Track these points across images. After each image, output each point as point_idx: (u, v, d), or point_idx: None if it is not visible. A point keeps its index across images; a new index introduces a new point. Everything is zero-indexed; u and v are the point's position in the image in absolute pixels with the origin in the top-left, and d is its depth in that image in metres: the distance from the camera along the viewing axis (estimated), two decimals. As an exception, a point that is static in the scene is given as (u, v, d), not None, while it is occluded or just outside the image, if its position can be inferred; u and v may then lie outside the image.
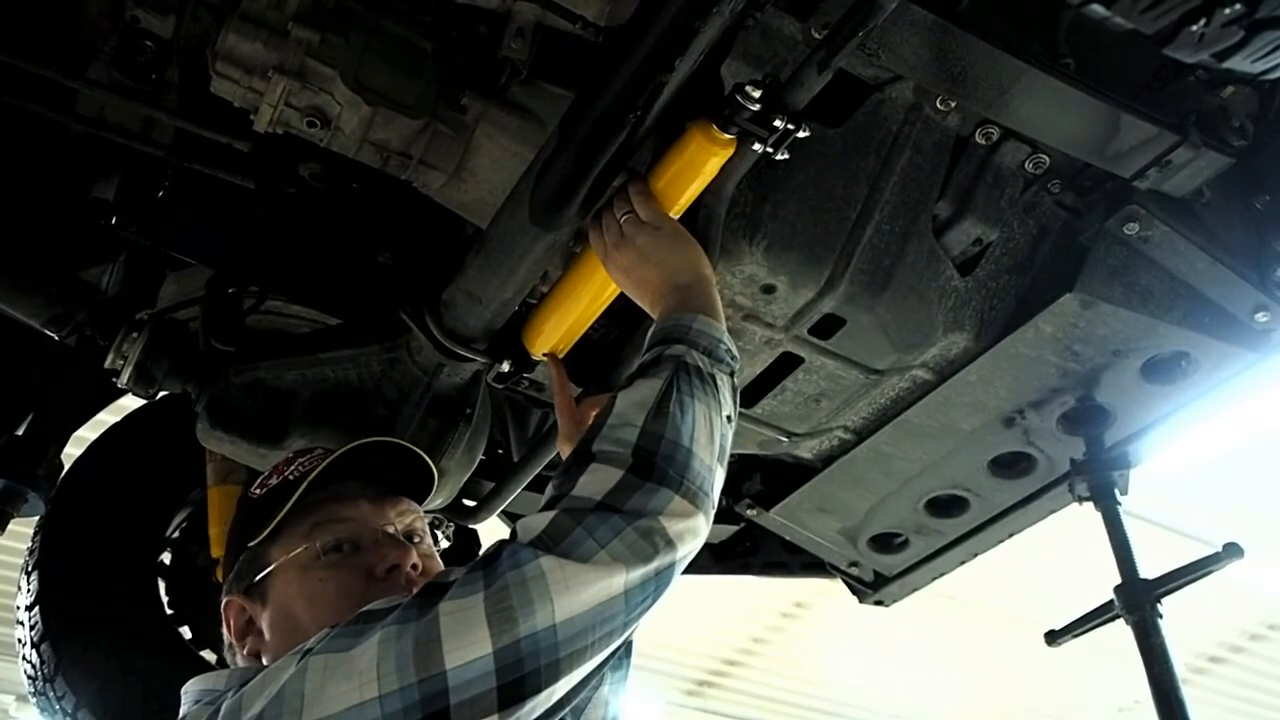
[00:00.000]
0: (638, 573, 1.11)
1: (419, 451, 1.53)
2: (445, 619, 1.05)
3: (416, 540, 1.44)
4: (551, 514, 1.13)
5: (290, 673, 1.09)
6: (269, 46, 1.65)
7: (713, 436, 1.24)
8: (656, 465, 1.17)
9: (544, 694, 1.06)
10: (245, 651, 1.37)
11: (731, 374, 1.32)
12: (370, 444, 1.48)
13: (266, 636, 1.36)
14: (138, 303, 2.19)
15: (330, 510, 1.40)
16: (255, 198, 2.04)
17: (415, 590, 1.15)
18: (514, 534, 1.14)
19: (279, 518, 1.38)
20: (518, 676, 1.04)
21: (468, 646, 1.03)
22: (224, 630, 1.41)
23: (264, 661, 1.34)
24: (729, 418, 1.29)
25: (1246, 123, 1.73)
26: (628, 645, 1.53)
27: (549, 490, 1.20)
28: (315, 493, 1.40)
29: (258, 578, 1.37)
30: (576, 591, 1.07)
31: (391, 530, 1.42)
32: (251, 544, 1.39)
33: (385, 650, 1.05)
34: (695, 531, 1.17)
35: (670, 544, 1.14)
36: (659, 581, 1.14)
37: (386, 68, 1.66)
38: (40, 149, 2.05)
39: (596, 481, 1.15)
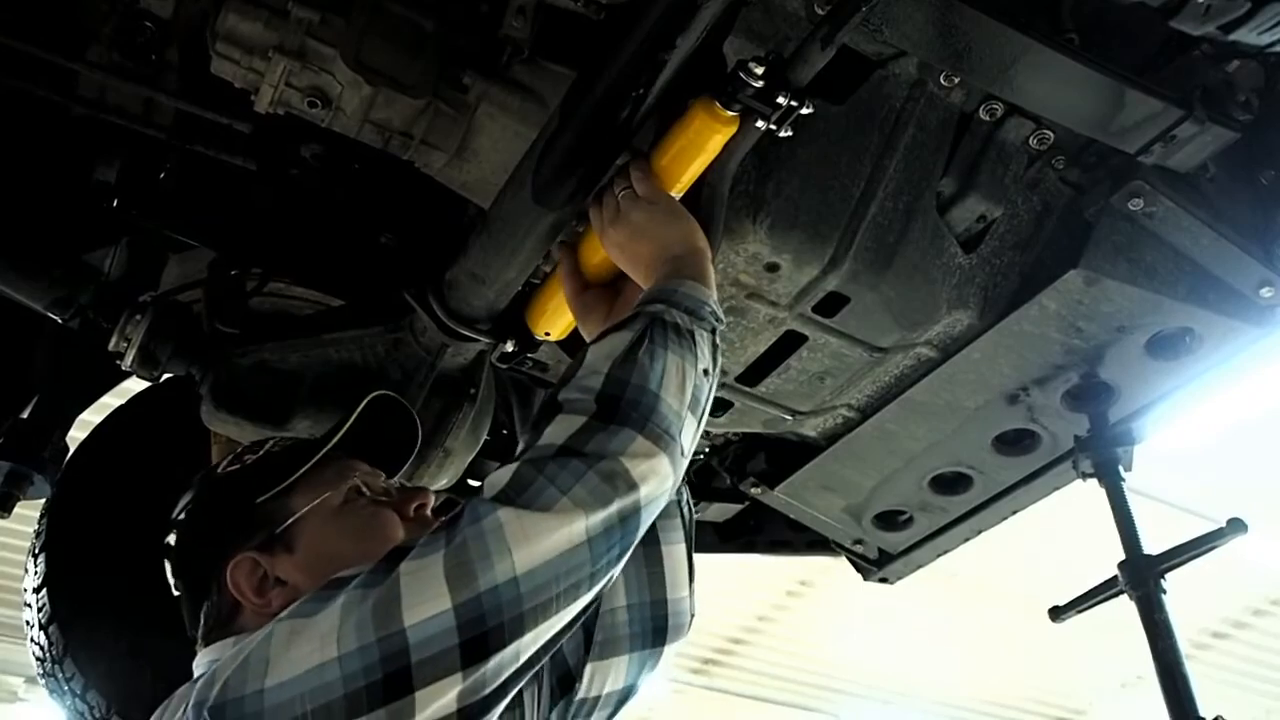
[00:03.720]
0: (598, 517, 1.09)
1: (414, 421, 1.54)
2: (405, 578, 1.04)
3: None
4: (515, 466, 1.12)
5: (258, 638, 1.08)
6: (269, 26, 1.64)
7: (684, 385, 1.21)
8: (620, 409, 1.15)
9: (509, 650, 1.04)
10: (272, 606, 1.26)
11: (713, 331, 1.30)
12: (374, 412, 1.49)
13: (302, 581, 1.27)
14: (141, 285, 2.19)
15: (345, 463, 1.41)
16: (257, 179, 2.04)
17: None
18: (480, 491, 1.12)
19: (308, 466, 1.36)
20: (480, 632, 1.02)
21: (426, 603, 1.02)
22: (231, 593, 1.30)
23: None
24: (706, 371, 1.26)
25: (1252, 97, 1.71)
26: (661, 627, 1.52)
27: (519, 446, 1.19)
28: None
29: (280, 528, 1.32)
30: (536, 541, 1.05)
31: (395, 484, 1.44)
32: (263, 498, 1.35)
33: (348, 613, 1.03)
34: (659, 473, 1.14)
35: (632, 485, 1.11)
36: (624, 528, 1.11)
37: (387, 47, 1.66)
38: (42, 132, 2.04)
39: (560, 430, 1.14)
